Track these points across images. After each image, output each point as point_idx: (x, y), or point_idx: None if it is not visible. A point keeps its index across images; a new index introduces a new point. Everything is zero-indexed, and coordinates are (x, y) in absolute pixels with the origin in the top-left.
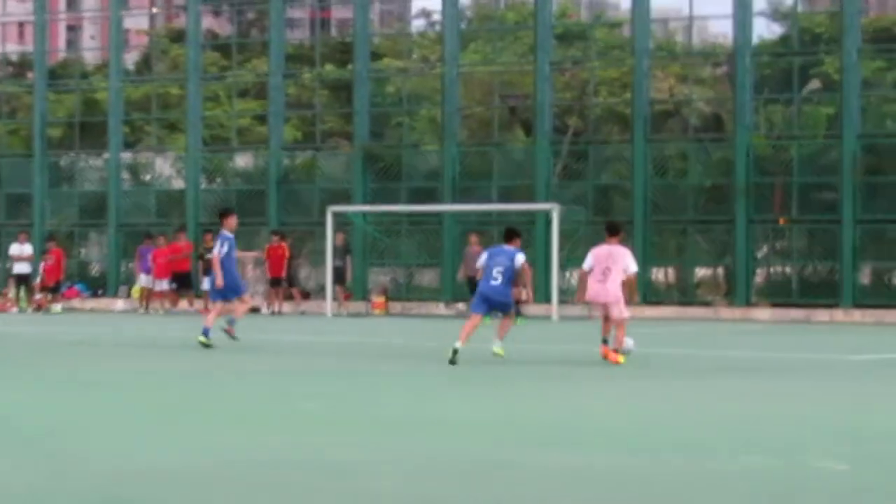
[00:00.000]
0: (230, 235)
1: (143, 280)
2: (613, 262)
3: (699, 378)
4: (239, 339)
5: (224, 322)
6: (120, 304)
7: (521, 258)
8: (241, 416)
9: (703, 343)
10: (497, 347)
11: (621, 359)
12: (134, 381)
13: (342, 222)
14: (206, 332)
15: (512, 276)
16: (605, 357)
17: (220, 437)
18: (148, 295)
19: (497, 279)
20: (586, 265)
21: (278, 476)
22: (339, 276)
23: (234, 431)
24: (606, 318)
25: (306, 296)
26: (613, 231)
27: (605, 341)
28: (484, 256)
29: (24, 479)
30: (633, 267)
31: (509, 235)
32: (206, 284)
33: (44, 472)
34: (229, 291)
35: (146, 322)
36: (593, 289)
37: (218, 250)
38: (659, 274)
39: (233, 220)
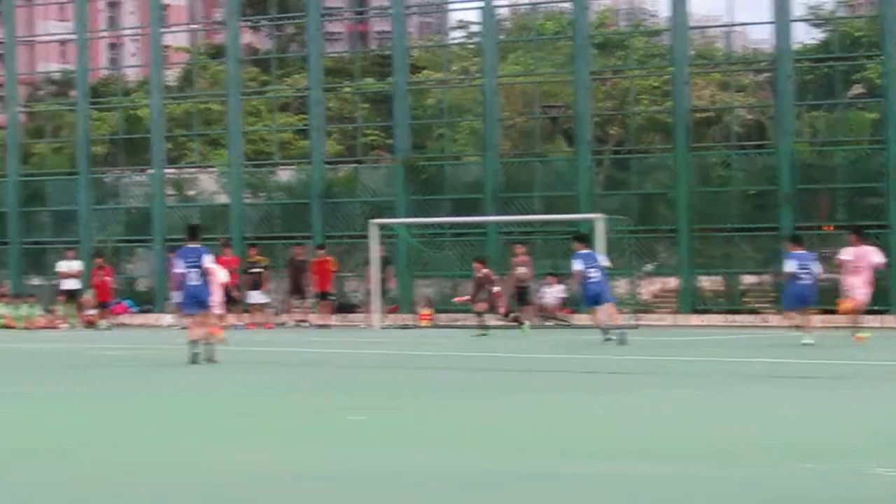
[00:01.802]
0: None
1: (177, 296)
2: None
3: (748, 385)
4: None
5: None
6: (167, 319)
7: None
8: (289, 430)
9: (752, 351)
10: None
11: None
12: (179, 394)
13: (385, 235)
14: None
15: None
16: None
17: (270, 450)
18: None
19: (596, 277)
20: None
21: (323, 489)
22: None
23: (283, 445)
24: None
25: (342, 309)
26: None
27: None
28: (578, 262)
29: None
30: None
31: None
32: (252, 298)
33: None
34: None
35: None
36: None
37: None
38: (705, 282)
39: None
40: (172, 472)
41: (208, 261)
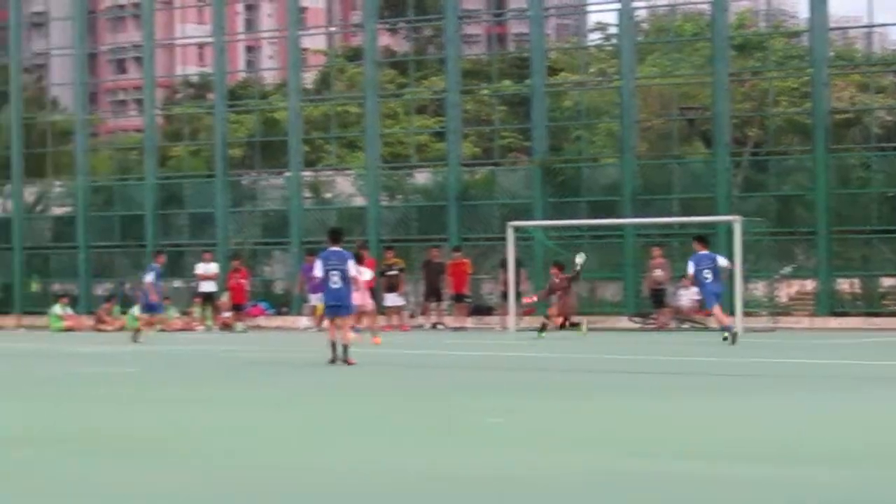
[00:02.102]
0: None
1: (314, 299)
2: None
3: (887, 388)
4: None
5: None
6: (304, 321)
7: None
8: (421, 431)
9: (888, 354)
10: None
11: None
12: (316, 396)
13: (521, 237)
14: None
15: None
16: None
17: (407, 452)
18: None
19: (709, 278)
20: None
21: (457, 491)
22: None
23: (420, 447)
24: None
25: (477, 311)
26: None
27: None
28: (691, 265)
29: (208, 493)
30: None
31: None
32: (388, 300)
33: (235, 484)
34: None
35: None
36: None
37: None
38: (844, 285)
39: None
40: (357, 475)
41: (352, 264)
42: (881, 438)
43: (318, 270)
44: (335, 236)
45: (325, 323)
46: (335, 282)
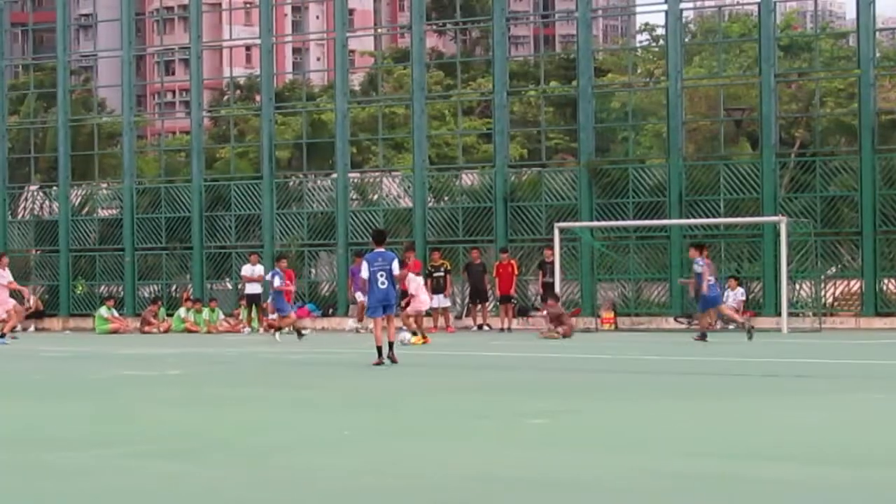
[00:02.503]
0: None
1: (360, 298)
2: None
3: None
4: None
5: None
6: (350, 323)
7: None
8: (467, 432)
9: None
10: None
11: None
12: (360, 398)
13: (569, 238)
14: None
15: None
16: None
17: (447, 452)
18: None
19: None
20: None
21: (498, 491)
22: (550, 292)
23: (459, 447)
24: None
25: (522, 312)
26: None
27: None
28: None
29: (260, 493)
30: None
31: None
32: (435, 302)
33: (275, 485)
34: None
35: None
36: None
37: None
38: (890, 285)
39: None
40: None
41: (396, 265)
42: None
43: (364, 272)
44: (379, 238)
45: (370, 324)
46: (382, 282)
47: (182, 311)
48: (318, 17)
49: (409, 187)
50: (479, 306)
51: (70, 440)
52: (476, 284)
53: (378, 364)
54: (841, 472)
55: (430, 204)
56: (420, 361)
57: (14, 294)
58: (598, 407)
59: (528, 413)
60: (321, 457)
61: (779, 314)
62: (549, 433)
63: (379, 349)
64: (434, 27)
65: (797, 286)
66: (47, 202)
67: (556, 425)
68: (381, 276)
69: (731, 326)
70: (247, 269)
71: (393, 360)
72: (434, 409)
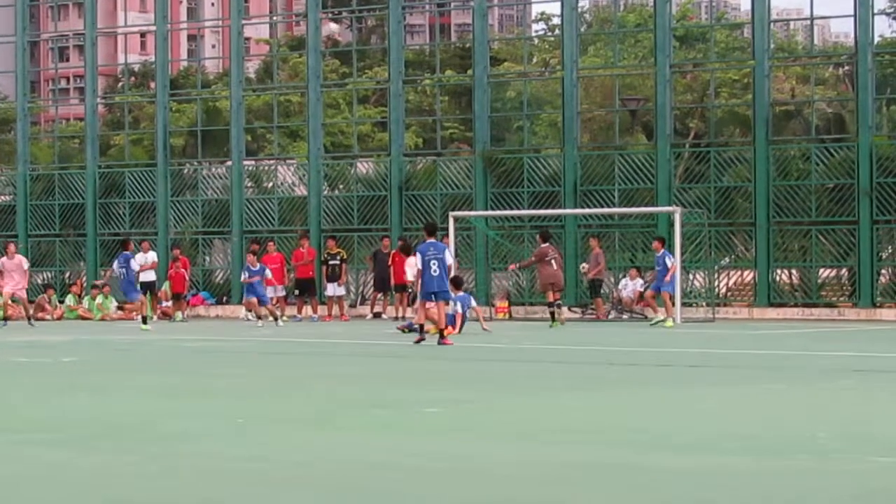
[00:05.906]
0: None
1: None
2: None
3: (828, 380)
4: None
5: None
6: (244, 311)
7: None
8: (363, 421)
9: (829, 345)
10: None
11: None
12: (253, 387)
13: (463, 227)
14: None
15: None
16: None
17: (343, 441)
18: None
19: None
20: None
21: (398, 479)
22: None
23: (355, 436)
24: None
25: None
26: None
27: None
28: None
29: (146, 482)
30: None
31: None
32: (329, 290)
33: (160, 472)
34: None
35: (264, 330)
36: None
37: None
38: (782, 275)
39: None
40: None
41: (448, 254)
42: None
43: (417, 262)
44: (431, 229)
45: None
46: (434, 270)
47: (70, 299)
48: (213, 5)
49: (304, 175)
50: (382, 295)
51: None
52: (382, 273)
53: (419, 341)
54: (739, 460)
55: (325, 192)
56: (317, 350)
57: None
58: (489, 397)
59: (423, 402)
60: (211, 444)
61: (673, 304)
62: (442, 422)
63: (421, 327)
64: (330, 15)
65: (691, 276)
66: None
67: (450, 414)
68: (434, 264)
69: (624, 316)
70: (139, 257)
71: (420, 339)
72: (329, 398)
